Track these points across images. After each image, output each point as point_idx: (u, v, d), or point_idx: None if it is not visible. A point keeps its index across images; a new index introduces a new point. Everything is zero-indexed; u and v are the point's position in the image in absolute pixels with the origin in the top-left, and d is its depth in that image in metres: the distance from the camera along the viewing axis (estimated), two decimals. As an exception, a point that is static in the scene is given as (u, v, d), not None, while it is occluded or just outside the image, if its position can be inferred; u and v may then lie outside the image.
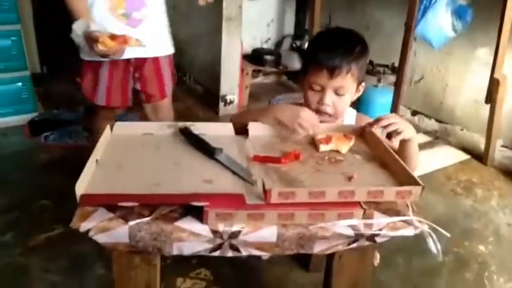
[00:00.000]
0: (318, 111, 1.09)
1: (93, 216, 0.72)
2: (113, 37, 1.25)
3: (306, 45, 3.19)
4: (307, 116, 1.00)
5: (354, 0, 3.07)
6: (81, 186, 0.72)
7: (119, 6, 1.39)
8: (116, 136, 0.96)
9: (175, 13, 2.82)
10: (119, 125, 0.99)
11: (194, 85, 3.19)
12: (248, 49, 3.16)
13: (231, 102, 2.82)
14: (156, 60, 1.55)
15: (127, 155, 0.88)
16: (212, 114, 2.81)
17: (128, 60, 1.48)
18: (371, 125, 1.02)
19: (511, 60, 2.22)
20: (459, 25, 2.16)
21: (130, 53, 1.43)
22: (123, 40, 1.25)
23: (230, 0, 2.49)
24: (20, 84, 2.40)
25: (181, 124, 1.01)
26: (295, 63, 3.21)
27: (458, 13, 2.15)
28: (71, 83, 3.02)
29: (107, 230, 0.71)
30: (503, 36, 2.06)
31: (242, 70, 2.86)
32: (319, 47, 1.10)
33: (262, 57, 3.08)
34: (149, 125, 1.02)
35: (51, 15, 3.02)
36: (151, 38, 1.46)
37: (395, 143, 1.06)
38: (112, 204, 0.72)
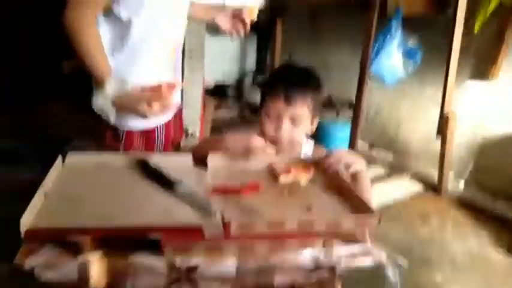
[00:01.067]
0: (274, 140, 1.10)
1: (40, 252, 0.67)
2: (154, 89, 1.03)
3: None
4: (256, 142, 1.00)
5: (313, 40, 3.20)
6: (27, 221, 0.68)
7: (171, 60, 1.26)
8: (67, 167, 0.92)
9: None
10: (71, 155, 0.96)
11: (155, 118, 3.16)
12: (211, 83, 3.19)
13: (192, 135, 2.80)
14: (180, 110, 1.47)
15: (79, 187, 0.85)
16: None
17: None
18: (320, 162, 1.02)
19: (459, 98, 2.37)
20: (410, 65, 2.31)
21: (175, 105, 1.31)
22: (172, 86, 1.05)
23: (192, 35, 2.53)
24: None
25: (138, 155, 0.98)
26: (256, 97, 3.25)
27: (408, 54, 2.29)
28: (26, 112, 2.93)
29: (54, 267, 0.66)
30: (450, 75, 2.21)
31: (204, 104, 2.87)
32: (278, 78, 1.15)
33: (225, 91, 3.12)
34: (104, 156, 0.98)
35: None
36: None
37: (346, 176, 1.08)
38: (61, 239, 0.68)
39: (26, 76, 3.05)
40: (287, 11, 2.88)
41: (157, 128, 1.25)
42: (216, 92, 3.15)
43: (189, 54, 2.59)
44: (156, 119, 1.22)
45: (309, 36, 3.22)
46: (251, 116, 3.54)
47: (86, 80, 1.18)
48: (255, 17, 1.28)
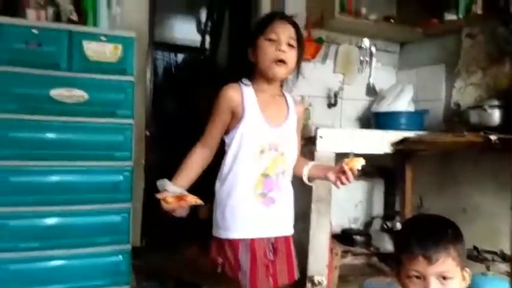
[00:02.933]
0: None
1: None
2: (178, 197, 1.35)
3: (398, 228, 3.12)
4: None
5: (446, 182, 3.02)
6: None
7: (258, 187, 1.46)
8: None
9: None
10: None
11: (281, 264, 3.13)
12: (336, 229, 3.13)
13: (320, 283, 2.66)
14: (287, 239, 1.56)
15: None
16: (299, 295, 2.65)
17: (267, 238, 1.49)
18: None
19: None
20: None
21: (271, 231, 1.49)
22: (181, 197, 1.34)
23: (321, 182, 2.60)
24: (120, 257, 2.57)
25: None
26: (386, 244, 3.07)
27: None
28: (166, 256, 3.20)
29: None
30: None
31: (331, 250, 2.78)
32: (410, 234, 1.08)
33: (352, 237, 3.02)
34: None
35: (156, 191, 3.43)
36: (282, 217, 1.54)
37: None
38: None
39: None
40: (416, 154, 2.84)
41: (241, 241, 1.44)
42: (343, 238, 3.06)
43: (316, 199, 2.65)
44: (239, 232, 1.44)
45: (441, 180, 3.06)
46: (379, 264, 3.30)
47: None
48: (355, 166, 1.38)
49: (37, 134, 2.38)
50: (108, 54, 2.49)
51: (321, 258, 2.68)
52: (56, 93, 2.38)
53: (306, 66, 3.17)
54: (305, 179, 1.60)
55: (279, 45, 1.42)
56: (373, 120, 3.26)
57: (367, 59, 3.39)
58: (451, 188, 2.98)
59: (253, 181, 1.45)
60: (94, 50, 2.46)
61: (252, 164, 1.45)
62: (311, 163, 1.62)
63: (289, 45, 1.44)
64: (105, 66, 2.49)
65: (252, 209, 1.45)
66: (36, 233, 2.40)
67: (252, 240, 1.45)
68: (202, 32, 5.64)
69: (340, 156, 2.97)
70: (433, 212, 2.96)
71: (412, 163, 2.86)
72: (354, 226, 3.40)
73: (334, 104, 3.28)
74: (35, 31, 2.33)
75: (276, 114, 1.52)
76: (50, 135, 2.41)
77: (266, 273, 1.46)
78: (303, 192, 2.70)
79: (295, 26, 1.50)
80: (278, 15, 1.52)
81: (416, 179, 2.90)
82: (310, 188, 2.63)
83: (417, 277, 1.01)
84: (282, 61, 1.42)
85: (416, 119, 3.02)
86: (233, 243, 1.45)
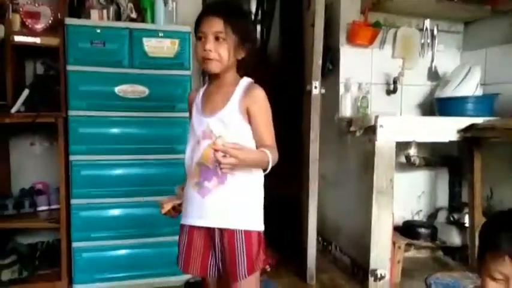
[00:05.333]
0: None
1: None
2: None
3: (466, 221, 2.94)
4: None
5: (520, 172, 2.81)
6: None
7: (195, 176, 1.49)
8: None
9: (322, 181, 2.95)
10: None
11: (340, 255, 3.08)
12: (398, 221, 3.02)
13: (382, 277, 2.59)
14: (230, 233, 1.45)
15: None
16: (360, 289, 2.59)
17: (207, 228, 1.49)
18: None
19: None
20: None
21: (209, 221, 1.47)
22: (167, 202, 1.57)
23: (381, 173, 2.52)
24: (182, 246, 2.65)
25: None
26: (453, 238, 2.92)
27: None
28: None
29: None
30: None
31: (394, 243, 2.69)
32: (499, 232, 0.98)
33: (415, 230, 2.89)
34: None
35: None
36: (221, 209, 1.45)
37: None
38: None
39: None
40: (485, 142, 2.65)
41: (184, 226, 1.56)
42: (405, 231, 2.94)
43: (377, 190, 2.56)
44: (183, 218, 1.55)
45: (513, 169, 2.84)
46: (445, 258, 3.14)
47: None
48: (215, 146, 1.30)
49: (103, 129, 2.50)
50: (165, 49, 2.55)
51: (383, 252, 2.60)
52: (120, 89, 2.48)
53: (362, 53, 3.12)
54: None
55: (205, 44, 1.42)
56: (436, 106, 3.09)
57: (429, 41, 3.21)
58: (526, 177, 2.76)
59: (192, 171, 1.50)
60: (153, 46, 2.53)
61: (191, 155, 1.52)
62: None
63: (218, 38, 1.42)
64: (164, 62, 2.56)
65: (190, 198, 1.50)
66: (104, 224, 2.54)
67: (191, 227, 1.52)
68: (252, 23, 5.62)
69: (402, 145, 2.88)
70: (506, 204, 2.78)
71: (481, 151, 2.67)
72: (416, 218, 3.26)
73: (394, 91, 3.15)
74: (98, 30, 2.44)
75: (215, 104, 1.50)
76: (115, 130, 2.53)
77: (201, 261, 1.52)
78: (362, 183, 2.64)
79: (224, 16, 1.41)
80: (204, 11, 1.47)
81: (485, 168, 2.71)
82: (370, 179, 2.56)
83: (499, 277, 0.94)
84: (208, 59, 1.43)
85: (486, 103, 2.82)
86: (180, 229, 1.58)
